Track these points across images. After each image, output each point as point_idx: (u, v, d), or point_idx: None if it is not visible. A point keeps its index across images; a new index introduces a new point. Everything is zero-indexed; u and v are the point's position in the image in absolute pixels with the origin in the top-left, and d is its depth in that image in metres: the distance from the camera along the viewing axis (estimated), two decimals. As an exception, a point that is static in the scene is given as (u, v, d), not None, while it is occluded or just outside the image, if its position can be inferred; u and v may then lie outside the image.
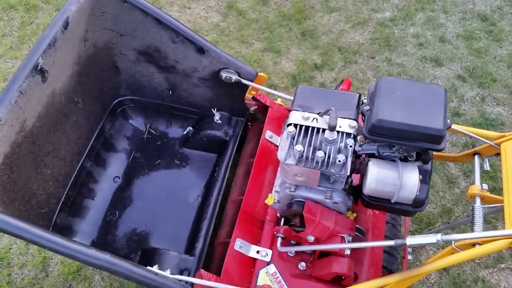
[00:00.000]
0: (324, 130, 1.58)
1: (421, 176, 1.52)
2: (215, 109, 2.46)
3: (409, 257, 2.19)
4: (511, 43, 3.52)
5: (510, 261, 2.62)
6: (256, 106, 2.42)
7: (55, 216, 2.16)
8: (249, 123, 2.53)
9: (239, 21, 3.70)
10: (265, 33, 3.63)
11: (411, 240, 1.49)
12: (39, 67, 1.77)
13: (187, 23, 3.68)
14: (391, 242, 1.55)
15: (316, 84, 3.36)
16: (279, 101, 2.50)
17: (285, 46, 3.55)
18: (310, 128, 1.60)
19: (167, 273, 1.65)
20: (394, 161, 1.58)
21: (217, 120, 2.46)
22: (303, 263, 1.89)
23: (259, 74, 2.23)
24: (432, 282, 2.57)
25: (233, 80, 2.20)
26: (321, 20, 3.71)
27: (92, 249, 1.55)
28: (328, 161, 1.55)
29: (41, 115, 1.92)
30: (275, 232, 1.88)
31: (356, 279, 1.85)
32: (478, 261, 2.63)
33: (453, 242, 1.57)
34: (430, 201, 2.83)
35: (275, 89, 3.29)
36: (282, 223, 1.92)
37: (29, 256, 2.60)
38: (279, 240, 1.88)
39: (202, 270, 1.78)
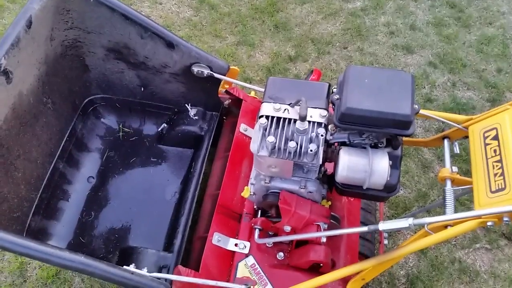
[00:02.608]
0: (295, 120, 1.59)
1: (391, 162, 1.54)
2: (190, 105, 2.44)
3: (386, 241, 2.23)
4: (479, 29, 3.60)
5: (484, 241, 2.70)
6: (230, 100, 2.42)
7: (29, 219, 2.11)
8: (224, 117, 2.52)
9: (211, 15, 3.67)
10: (238, 26, 3.62)
11: (383, 226, 1.51)
12: (2, 68, 1.72)
13: (158, 18, 3.64)
14: (364, 229, 1.57)
15: (290, 76, 3.37)
16: (252, 94, 2.49)
17: (258, 39, 3.55)
18: (282, 119, 1.61)
19: (143, 271, 1.64)
20: (365, 148, 1.60)
21: (192, 115, 2.44)
22: (281, 253, 1.90)
23: (231, 67, 2.21)
24: (411, 265, 2.62)
25: (205, 75, 2.18)
26: (293, 12, 3.72)
27: (65, 251, 1.52)
28: (300, 151, 1.56)
29: (8, 117, 1.87)
30: (253, 224, 1.89)
31: (333, 266, 1.88)
32: (455, 242, 2.70)
33: (425, 225, 1.61)
34: (406, 186, 2.89)
35: (250, 83, 3.29)
36: (259, 215, 1.92)
37: (5, 262, 2.54)
38: (256, 232, 1.89)
39: (180, 266, 1.77)
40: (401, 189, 2.88)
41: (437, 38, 3.55)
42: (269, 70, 3.37)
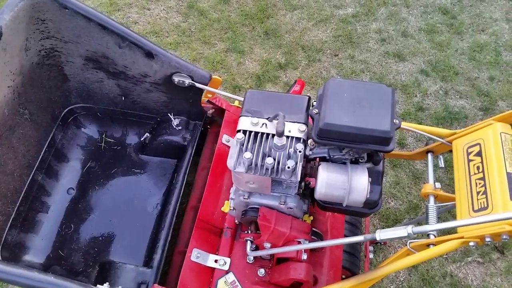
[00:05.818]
0: (273, 135, 1.54)
1: (371, 178, 1.49)
2: (172, 114, 2.38)
3: (371, 255, 2.17)
4: (471, 36, 3.55)
5: (476, 254, 2.64)
6: (214, 109, 2.36)
7: (5, 233, 2.05)
8: (208, 126, 2.47)
9: (200, 22, 3.62)
10: (227, 33, 3.57)
11: (381, 235, 1.41)
12: None
13: (146, 25, 3.59)
14: (360, 238, 1.48)
15: (281, 84, 3.32)
16: (236, 103, 2.44)
17: (248, 46, 3.50)
18: (259, 134, 1.55)
19: (117, 290, 1.59)
20: (345, 163, 1.54)
21: (175, 125, 2.39)
22: (262, 270, 1.85)
23: (213, 77, 2.16)
24: (402, 280, 2.57)
25: (186, 84, 2.13)
26: (283, 18, 3.67)
27: (34, 272, 1.46)
28: (278, 168, 1.51)
29: None
30: (244, 238, 1.83)
31: (315, 283, 1.82)
32: (446, 256, 2.64)
33: (408, 243, 1.56)
34: (397, 197, 2.83)
35: (239, 90, 3.24)
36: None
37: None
38: (248, 244, 1.83)
39: (156, 285, 1.71)
40: (392, 201, 2.82)
41: (429, 45, 3.50)
42: (259, 78, 3.31)
